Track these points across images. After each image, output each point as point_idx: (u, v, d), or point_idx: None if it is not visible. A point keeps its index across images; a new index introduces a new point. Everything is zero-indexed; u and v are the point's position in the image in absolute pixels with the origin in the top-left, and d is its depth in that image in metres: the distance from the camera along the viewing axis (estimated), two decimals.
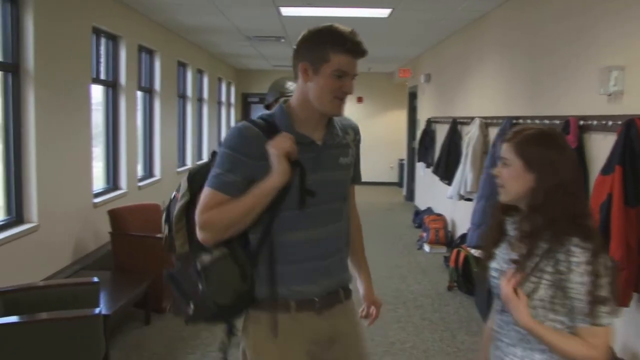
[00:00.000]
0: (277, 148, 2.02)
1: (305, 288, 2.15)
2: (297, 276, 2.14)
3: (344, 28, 2.09)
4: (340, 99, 2.11)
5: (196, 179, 2.19)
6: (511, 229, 2.04)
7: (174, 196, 2.23)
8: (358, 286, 2.50)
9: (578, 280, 1.80)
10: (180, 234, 2.19)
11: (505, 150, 1.98)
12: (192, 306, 2.10)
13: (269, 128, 2.10)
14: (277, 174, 2.02)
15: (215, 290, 2.07)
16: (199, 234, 2.06)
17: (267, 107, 3.92)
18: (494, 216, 2.11)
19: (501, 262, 2.02)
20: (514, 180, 1.95)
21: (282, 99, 2.25)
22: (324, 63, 2.06)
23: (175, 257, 2.20)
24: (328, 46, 2.05)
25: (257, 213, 2.06)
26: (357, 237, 2.49)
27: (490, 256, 2.08)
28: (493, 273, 2.05)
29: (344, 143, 2.26)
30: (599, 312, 1.80)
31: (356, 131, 2.36)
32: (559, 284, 1.83)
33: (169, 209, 2.24)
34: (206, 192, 2.06)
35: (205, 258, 2.07)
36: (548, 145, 1.94)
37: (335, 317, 2.23)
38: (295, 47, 2.16)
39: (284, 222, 2.10)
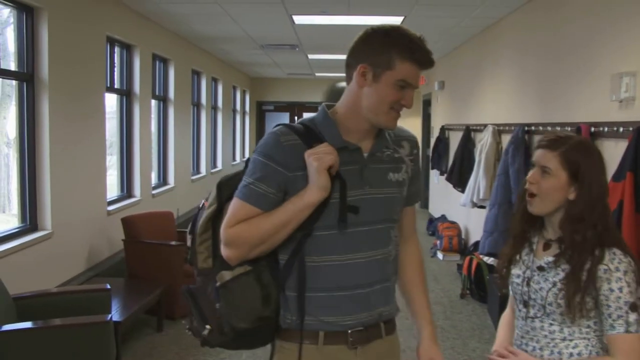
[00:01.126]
0: (319, 160, 1.78)
1: (337, 319, 1.88)
2: (327, 305, 1.87)
3: (414, 33, 1.84)
4: (396, 111, 1.87)
5: (226, 187, 1.95)
6: (537, 237, 2.03)
7: (202, 204, 1.99)
8: (417, 336, 2.09)
9: (616, 287, 1.82)
10: (204, 247, 1.94)
11: (547, 158, 1.91)
12: (207, 328, 1.91)
13: (309, 135, 1.87)
14: (316, 189, 1.79)
15: (232, 312, 1.86)
16: (223, 251, 1.86)
17: None
18: (518, 225, 2.06)
19: (525, 269, 2.02)
20: (555, 191, 1.90)
21: (323, 103, 2.00)
22: (387, 70, 1.81)
23: (197, 272, 1.97)
24: (395, 51, 1.80)
25: (290, 230, 1.83)
26: (414, 272, 2.14)
27: (511, 262, 2.08)
28: (516, 280, 2.05)
29: (396, 157, 1.98)
30: (633, 320, 1.82)
31: (413, 144, 2.06)
32: (597, 291, 1.84)
33: (195, 219, 1.98)
34: (235, 203, 1.86)
35: (226, 274, 1.86)
36: (593, 157, 1.91)
37: (372, 354, 1.93)
38: (353, 44, 1.90)
39: (319, 243, 1.86)
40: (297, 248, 1.86)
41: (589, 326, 1.91)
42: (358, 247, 1.88)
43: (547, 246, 1.99)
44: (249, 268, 1.86)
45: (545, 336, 1.95)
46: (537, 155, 1.95)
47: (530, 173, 1.97)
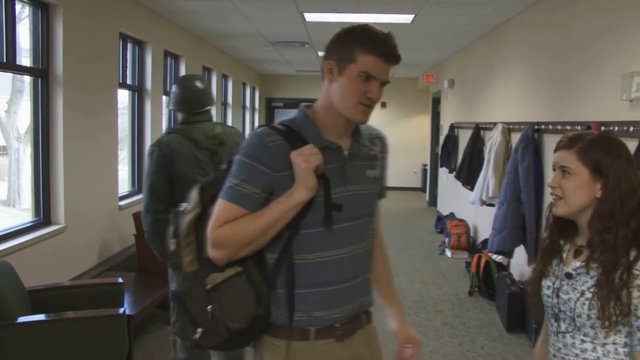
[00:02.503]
0: (307, 161, 1.82)
1: (327, 314, 1.94)
2: (318, 301, 1.93)
3: (379, 29, 1.90)
4: (365, 105, 1.90)
5: (208, 190, 1.96)
6: (568, 245, 1.93)
7: (183, 208, 1.99)
8: (387, 320, 2.22)
9: None
10: (189, 250, 1.95)
11: (565, 158, 1.83)
12: (199, 331, 1.91)
13: (292, 135, 1.91)
14: (304, 189, 1.83)
15: (227, 313, 1.88)
16: (211, 252, 1.87)
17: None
18: (548, 236, 1.97)
19: (554, 279, 1.91)
20: (579, 190, 1.80)
21: (302, 103, 2.05)
22: (350, 63, 1.87)
23: (182, 276, 1.99)
24: (356, 45, 1.86)
25: (277, 230, 1.86)
26: (381, 263, 2.23)
27: (543, 274, 1.96)
28: (546, 291, 1.93)
29: (372, 154, 2.07)
30: None
31: (384, 142, 2.15)
32: (630, 298, 1.71)
33: (177, 224, 1.98)
34: (220, 205, 1.87)
35: (217, 277, 1.88)
36: (616, 152, 1.80)
37: (356, 344, 2.01)
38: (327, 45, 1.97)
39: (306, 240, 1.90)
40: (285, 246, 1.90)
41: (625, 345, 1.76)
42: (342, 242, 1.95)
43: (577, 253, 1.88)
44: (240, 269, 1.89)
45: (577, 355, 1.83)
46: (556, 157, 1.87)
47: (552, 178, 1.88)
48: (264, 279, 1.92)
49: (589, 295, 1.78)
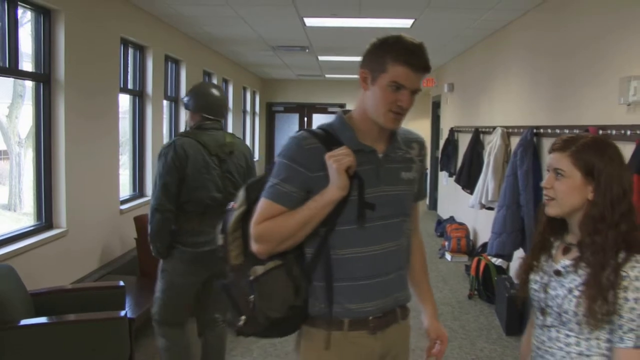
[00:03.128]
0: (337, 162, 1.94)
1: (360, 306, 2.07)
2: (352, 294, 2.05)
3: (410, 40, 2.01)
4: (395, 113, 2.02)
5: (254, 189, 2.13)
6: (558, 242, 1.98)
7: (231, 206, 2.17)
8: (422, 317, 2.36)
9: (632, 297, 1.73)
10: (235, 245, 2.11)
11: (559, 160, 1.87)
12: (242, 319, 2.07)
13: (329, 139, 2.05)
14: (336, 188, 1.96)
15: (266, 303, 2.02)
16: (253, 246, 2.03)
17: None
18: (538, 232, 2.02)
19: (542, 274, 1.96)
20: (571, 192, 1.85)
21: (340, 109, 2.19)
22: (381, 73, 1.99)
23: (229, 269, 2.15)
24: (388, 56, 1.98)
25: (313, 226, 2.00)
26: (418, 262, 2.37)
27: (531, 269, 2.01)
28: (534, 286, 1.98)
29: (407, 157, 2.18)
30: None
31: (421, 146, 2.26)
32: (616, 298, 1.75)
33: (225, 220, 2.16)
34: (262, 203, 2.04)
35: (259, 269, 2.03)
36: (609, 156, 1.83)
37: (389, 338, 2.14)
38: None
39: (341, 237, 2.04)
40: (322, 242, 2.04)
41: (608, 340, 1.80)
42: (376, 239, 2.07)
43: (566, 250, 1.93)
44: (280, 262, 2.04)
45: (561, 349, 1.87)
46: (550, 159, 1.91)
47: (545, 180, 1.93)
48: (302, 273, 2.06)
49: (576, 293, 1.82)
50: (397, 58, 1.97)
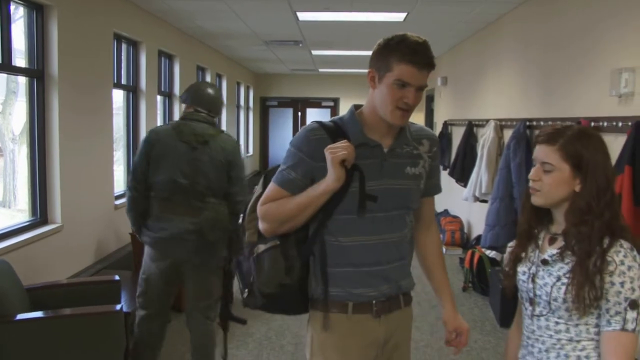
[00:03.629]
0: (333, 154, 2.04)
1: (363, 291, 2.17)
2: (354, 279, 2.16)
3: (414, 38, 2.09)
4: (402, 109, 2.10)
5: (270, 174, 2.28)
6: (544, 232, 2.00)
7: (253, 190, 2.35)
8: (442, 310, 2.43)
9: (617, 282, 1.77)
10: (252, 225, 2.27)
11: (547, 154, 1.89)
12: (246, 291, 2.25)
13: (336, 131, 2.16)
14: (331, 180, 2.06)
15: (261, 279, 2.18)
16: (259, 224, 2.20)
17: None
18: (524, 222, 2.04)
19: (530, 265, 1.98)
20: (559, 185, 1.88)
21: (353, 104, 2.27)
22: (387, 72, 2.08)
23: (245, 245, 2.30)
24: (392, 55, 2.06)
25: (311, 212, 2.13)
26: (434, 256, 2.44)
27: (518, 260, 2.04)
28: (522, 277, 2.00)
29: (415, 153, 2.25)
30: (631, 318, 1.77)
31: (433, 142, 2.33)
32: (602, 282, 1.79)
33: (247, 201, 2.35)
34: (270, 186, 2.20)
35: (261, 247, 2.20)
36: (594, 146, 1.87)
37: (392, 323, 2.24)
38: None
39: (341, 225, 2.15)
40: (318, 228, 2.17)
41: (597, 325, 1.84)
42: (377, 230, 2.17)
43: (552, 240, 1.95)
44: (278, 242, 2.19)
45: (551, 336, 1.90)
46: (537, 151, 1.93)
47: (533, 170, 1.94)
48: (298, 255, 2.19)
49: (565, 280, 1.86)
50: (402, 57, 2.05)
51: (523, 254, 2.03)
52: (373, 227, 2.15)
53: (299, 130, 2.24)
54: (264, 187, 2.26)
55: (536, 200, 1.95)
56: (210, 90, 4.06)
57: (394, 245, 2.20)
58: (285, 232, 2.18)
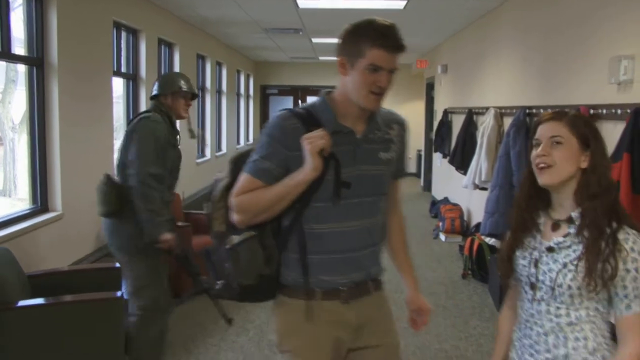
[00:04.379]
0: (311, 144, 2.03)
1: (332, 278, 2.17)
2: (325, 266, 2.16)
3: (382, 22, 2.08)
4: (375, 94, 2.10)
5: (238, 162, 2.24)
6: (543, 218, 2.00)
7: (218, 177, 2.30)
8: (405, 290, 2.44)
9: (632, 268, 1.80)
10: (219, 214, 2.24)
11: (556, 128, 1.91)
12: (219, 283, 2.22)
13: (309, 119, 2.13)
14: (309, 169, 2.05)
15: (238, 270, 2.16)
16: (233, 216, 2.15)
17: (155, 97, 4.02)
18: (522, 208, 2.04)
19: (531, 250, 1.99)
20: (569, 160, 1.89)
21: (324, 90, 2.25)
22: (359, 58, 2.06)
23: (213, 235, 2.28)
24: (363, 41, 2.05)
25: (287, 202, 2.11)
26: (397, 236, 2.46)
27: (516, 247, 2.05)
28: (522, 262, 2.01)
29: (386, 138, 2.26)
30: None
31: (402, 127, 2.34)
32: (605, 272, 1.81)
33: (212, 190, 2.29)
34: (242, 177, 2.15)
35: (234, 238, 2.17)
36: (594, 127, 1.92)
37: (363, 307, 2.23)
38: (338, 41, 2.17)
39: (316, 213, 2.13)
40: (296, 217, 2.15)
41: (596, 309, 1.88)
42: (351, 216, 2.17)
43: (555, 227, 1.96)
44: (254, 233, 2.17)
45: (551, 320, 1.92)
46: (543, 129, 1.94)
47: (540, 148, 1.93)
48: (275, 244, 2.19)
49: (571, 267, 1.87)
50: (373, 42, 2.04)
51: (520, 240, 2.03)
52: (347, 213, 2.15)
53: (271, 118, 2.21)
54: (232, 175, 2.22)
55: (546, 178, 1.92)
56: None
57: (366, 231, 2.20)
58: (259, 222, 2.16)
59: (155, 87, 4.03)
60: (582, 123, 1.92)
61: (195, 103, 10.14)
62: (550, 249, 1.94)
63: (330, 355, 2.21)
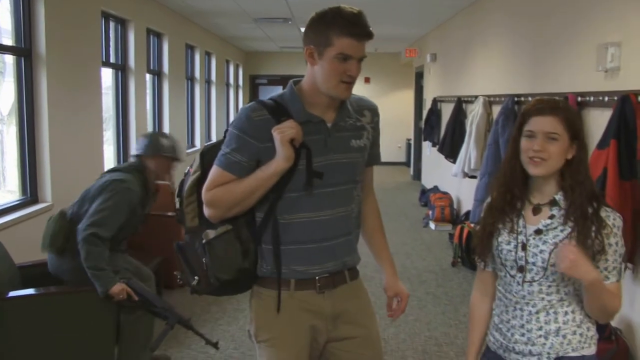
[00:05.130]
0: (281, 134, 2.01)
1: (307, 268, 2.16)
2: (298, 256, 2.15)
3: (350, 10, 2.04)
4: (346, 83, 2.08)
5: (208, 155, 2.20)
6: (519, 203, 2.06)
7: (188, 171, 2.26)
8: (382, 276, 2.44)
9: (614, 242, 1.93)
10: (191, 208, 2.21)
11: (553, 125, 1.95)
12: (196, 278, 2.19)
13: (278, 110, 2.10)
14: (281, 159, 2.03)
15: (216, 266, 2.13)
16: (205, 211, 2.13)
17: (138, 157, 3.92)
18: (497, 196, 2.10)
19: (515, 235, 2.04)
20: (562, 154, 1.97)
21: (292, 80, 2.22)
22: (327, 47, 2.03)
23: (185, 231, 2.24)
24: (331, 29, 2.02)
25: (261, 194, 2.09)
26: (373, 223, 2.44)
27: (492, 233, 2.09)
28: (506, 247, 2.06)
29: (358, 125, 2.23)
30: (623, 268, 1.96)
31: (374, 112, 2.31)
32: (594, 246, 1.92)
33: (182, 184, 2.25)
34: (213, 170, 2.12)
35: (210, 233, 2.13)
36: (579, 116, 2.02)
37: (339, 297, 2.22)
38: (303, 31, 2.15)
39: (289, 203, 2.11)
40: (270, 208, 2.13)
41: (581, 283, 1.94)
42: (324, 205, 2.15)
43: (536, 210, 2.03)
44: (230, 227, 2.15)
45: (542, 299, 2.00)
46: (539, 122, 1.97)
47: (536, 143, 1.96)
48: (251, 237, 2.17)
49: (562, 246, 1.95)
50: (341, 31, 2.01)
51: (500, 225, 2.09)
52: (320, 203, 2.13)
53: (239, 110, 2.17)
54: (202, 168, 2.20)
55: (539, 170, 1.98)
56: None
57: (341, 220, 2.19)
58: (233, 216, 2.13)
59: (139, 145, 3.94)
60: (575, 118, 2.00)
61: (184, 93, 10.12)
62: (538, 232, 2.01)
63: (307, 345, 2.21)
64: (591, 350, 2.03)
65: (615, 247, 1.94)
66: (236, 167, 2.09)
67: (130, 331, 3.87)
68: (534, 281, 2.01)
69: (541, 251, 1.99)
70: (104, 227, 3.55)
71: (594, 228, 1.93)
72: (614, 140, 3.72)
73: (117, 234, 3.67)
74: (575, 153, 1.98)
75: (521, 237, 2.04)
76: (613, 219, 1.95)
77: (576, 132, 1.97)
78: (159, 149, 3.91)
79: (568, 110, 2.00)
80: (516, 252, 2.04)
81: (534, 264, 2.00)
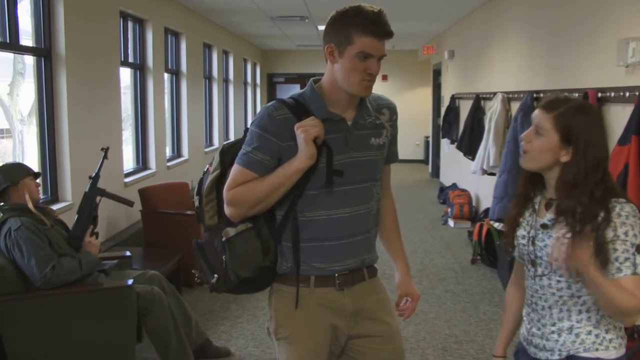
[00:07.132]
0: (305, 132, 2.03)
1: (326, 265, 2.17)
2: (318, 253, 2.16)
3: (370, 9, 2.07)
4: (366, 81, 2.10)
5: (228, 153, 2.22)
6: (539, 197, 2.07)
7: (207, 169, 2.28)
8: (395, 274, 2.44)
9: (621, 232, 1.85)
10: (210, 207, 2.22)
11: (542, 119, 1.96)
12: (215, 276, 2.20)
13: (299, 108, 2.12)
14: (304, 157, 2.05)
15: (237, 263, 2.15)
16: (226, 209, 2.14)
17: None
18: (520, 185, 2.12)
19: (529, 229, 2.06)
20: (545, 151, 1.95)
21: (312, 78, 2.24)
22: (348, 45, 2.05)
23: (204, 229, 2.26)
24: (352, 28, 2.04)
25: (283, 192, 2.10)
26: (389, 220, 2.45)
27: (517, 223, 2.11)
28: (522, 240, 2.08)
29: (377, 123, 2.24)
30: (639, 261, 1.84)
31: (392, 111, 2.33)
32: (601, 239, 1.85)
33: (201, 182, 2.27)
34: (235, 169, 2.13)
35: (230, 231, 2.15)
36: (589, 121, 1.93)
37: (358, 294, 2.23)
38: (324, 29, 2.16)
39: (309, 201, 2.13)
40: (290, 206, 2.14)
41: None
42: (343, 203, 2.17)
43: (548, 205, 2.02)
44: (250, 225, 2.16)
45: (553, 294, 1.99)
46: (534, 114, 2.00)
47: (526, 132, 2.02)
48: (271, 235, 2.18)
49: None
50: (362, 29, 2.03)
51: (521, 219, 2.10)
52: (339, 200, 2.15)
53: (260, 109, 2.18)
54: (222, 166, 2.21)
55: (523, 162, 2.02)
56: None
57: (360, 218, 2.20)
58: (254, 214, 2.15)
59: None
60: (574, 120, 1.92)
61: (202, 92, 10.15)
62: (544, 226, 2.01)
63: (326, 342, 2.22)
64: (609, 354, 1.96)
65: (624, 237, 1.86)
66: (258, 165, 2.10)
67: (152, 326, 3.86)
68: (544, 275, 2.02)
69: (546, 245, 1.99)
70: (46, 260, 3.48)
71: (599, 219, 1.86)
72: (635, 136, 3.67)
73: (63, 247, 3.67)
74: (570, 159, 1.92)
75: (532, 231, 2.06)
76: (619, 209, 1.87)
77: (570, 136, 1.91)
78: (16, 174, 3.69)
79: (568, 112, 1.93)
80: (528, 246, 2.06)
81: (541, 258, 2.01)
